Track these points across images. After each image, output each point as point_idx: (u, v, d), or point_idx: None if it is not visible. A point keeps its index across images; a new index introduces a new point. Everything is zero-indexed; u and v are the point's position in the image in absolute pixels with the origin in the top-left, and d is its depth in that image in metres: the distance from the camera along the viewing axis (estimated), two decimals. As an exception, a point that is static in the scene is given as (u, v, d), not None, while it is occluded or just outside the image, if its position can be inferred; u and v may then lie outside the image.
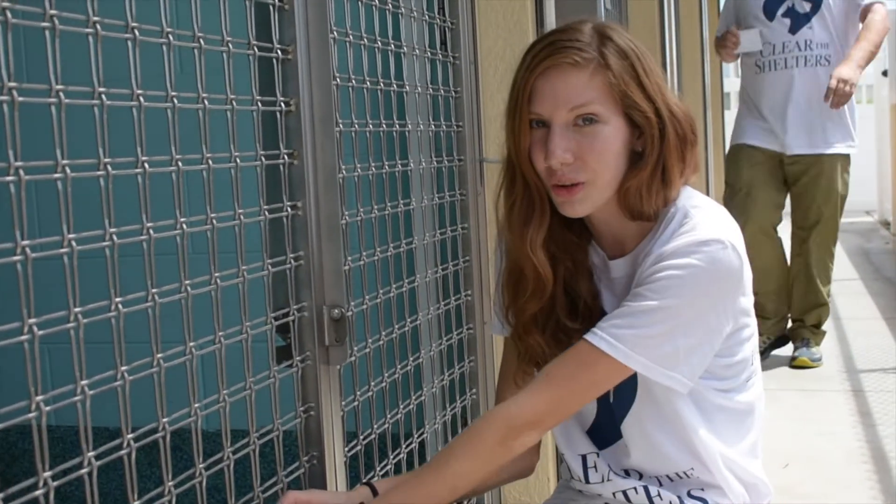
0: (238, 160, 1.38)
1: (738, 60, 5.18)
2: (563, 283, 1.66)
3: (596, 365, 1.51)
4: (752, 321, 1.63)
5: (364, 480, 1.62)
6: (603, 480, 1.66)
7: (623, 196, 1.57)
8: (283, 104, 1.49)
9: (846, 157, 4.95)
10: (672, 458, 1.61)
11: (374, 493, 1.57)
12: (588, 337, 1.51)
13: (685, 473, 1.63)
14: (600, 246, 1.67)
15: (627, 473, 1.66)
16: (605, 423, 1.65)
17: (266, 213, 1.46)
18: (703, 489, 1.63)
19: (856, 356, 5.12)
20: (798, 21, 4.83)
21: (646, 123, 1.55)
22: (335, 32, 1.63)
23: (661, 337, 1.49)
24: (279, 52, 1.49)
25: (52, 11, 1.03)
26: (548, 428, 1.58)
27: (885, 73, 10.44)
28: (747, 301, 1.58)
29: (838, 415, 4.13)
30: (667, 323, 1.49)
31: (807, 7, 4.80)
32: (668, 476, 1.64)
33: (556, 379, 1.53)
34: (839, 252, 9.40)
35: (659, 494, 1.63)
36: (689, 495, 1.63)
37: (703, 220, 1.55)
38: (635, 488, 1.64)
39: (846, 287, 7.35)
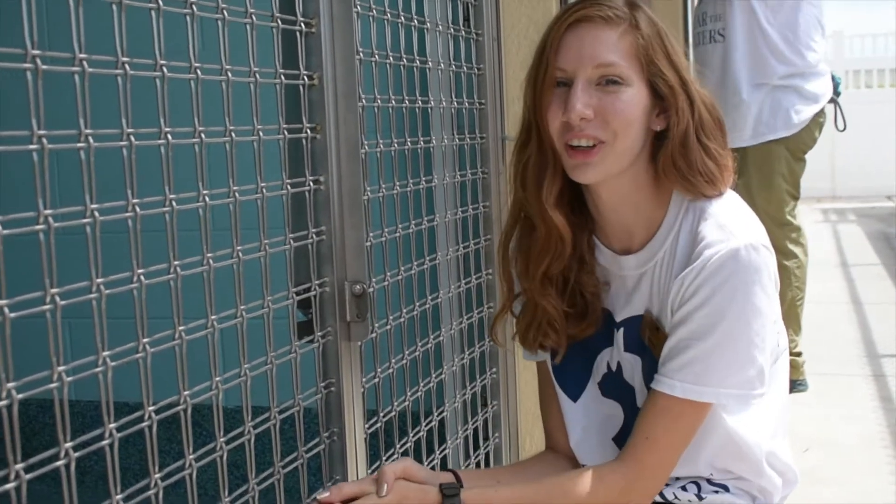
0: (261, 133, 1.37)
1: None
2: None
3: (688, 414, 1.50)
4: (778, 304, 1.60)
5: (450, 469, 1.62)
6: None
7: (665, 173, 1.55)
8: (306, 77, 1.48)
9: (754, 149, 4.05)
10: (700, 461, 1.59)
11: (458, 480, 1.55)
12: (664, 389, 1.50)
13: (711, 475, 1.61)
14: (604, 241, 1.65)
15: None
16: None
17: (288, 187, 1.45)
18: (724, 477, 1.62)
19: (877, 341, 5.09)
20: None
21: (669, 93, 1.52)
22: (358, 6, 1.61)
23: (740, 363, 1.48)
24: (303, 24, 1.47)
25: (76, -21, 1.02)
26: (661, 488, 1.57)
27: (908, 57, 10.34)
28: (776, 291, 1.56)
29: (859, 399, 4.11)
30: (739, 347, 1.47)
31: None
32: (691, 479, 1.62)
33: (659, 442, 1.51)
34: (859, 236, 9.37)
35: (676, 497, 1.61)
36: (710, 482, 1.62)
37: (721, 220, 1.52)
38: None
39: (867, 271, 7.32)
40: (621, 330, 1.63)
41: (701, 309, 1.48)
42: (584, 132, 1.50)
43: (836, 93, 4.24)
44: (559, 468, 1.70)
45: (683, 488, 1.61)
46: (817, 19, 4.11)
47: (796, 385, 4.15)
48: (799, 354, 4.18)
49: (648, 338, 1.58)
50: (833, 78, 4.23)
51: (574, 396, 1.70)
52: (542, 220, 1.60)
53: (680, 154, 1.53)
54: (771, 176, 4.07)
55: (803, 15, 4.05)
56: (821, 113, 4.15)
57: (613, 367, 1.66)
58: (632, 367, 1.63)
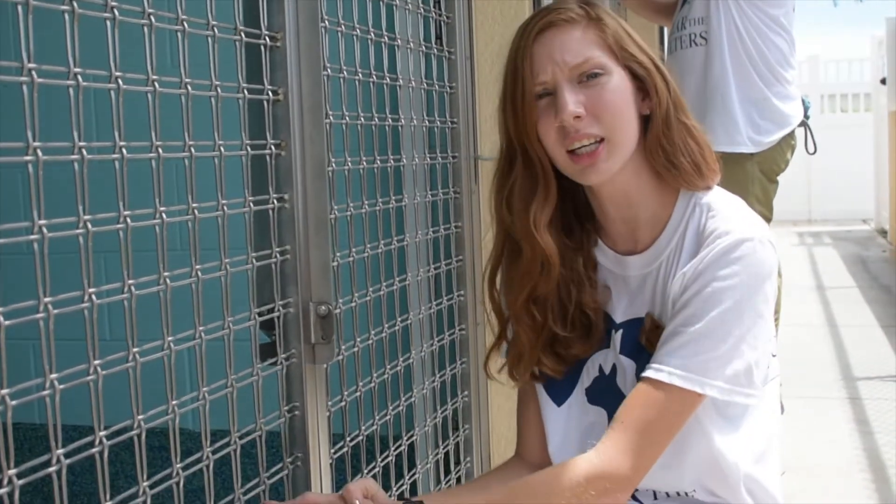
0: (222, 149, 1.33)
1: None
2: (557, 290, 1.61)
3: (671, 402, 1.43)
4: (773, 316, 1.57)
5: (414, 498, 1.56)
6: None
7: (652, 156, 1.54)
8: (270, 93, 1.44)
9: (738, 156, 3.93)
10: (685, 474, 1.54)
11: None
12: (653, 375, 1.44)
13: (693, 491, 1.56)
14: (608, 243, 1.62)
15: None
16: None
17: (251, 204, 1.41)
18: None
19: (853, 364, 5.09)
20: None
21: (646, 74, 1.53)
22: (326, 21, 1.58)
23: (729, 354, 1.43)
24: (267, 38, 1.44)
25: (26, -14, 0.98)
26: (637, 481, 1.45)
27: (883, 81, 10.41)
28: (774, 298, 1.53)
29: (836, 423, 4.10)
30: (730, 338, 1.43)
31: None
32: (666, 493, 1.57)
33: (634, 427, 1.43)
34: (835, 260, 9.39)
35: None
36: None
37: (728, 214, 1.51)
38: None
39: (843, 295, 7.33)
40: (620, 332, 1.60)
41: (699, 294, 1.45)
42: (579, 133, 1.49)
43: (806, 116, 4.23)
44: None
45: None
46: (790, 44, 4.11)
47: None
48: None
49: (647, 338, 1.54)
50: (803, 102, 4.22)
51: (559, 400, 1.65)
52: (528, 242, 1.57)
53: (664, 134, 1.53)
54: (745, 197, 4.01)
55: (777, 39, 4.04)
56: (791, 135, 4.13)
57: (607, 371, 1.61)
58: (625, 372, 1.59)
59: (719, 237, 1.47)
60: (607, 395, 1.60)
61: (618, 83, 1.51)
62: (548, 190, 1.56)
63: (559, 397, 1.65)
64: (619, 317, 1.61)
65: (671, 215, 1.56)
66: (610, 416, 1.58)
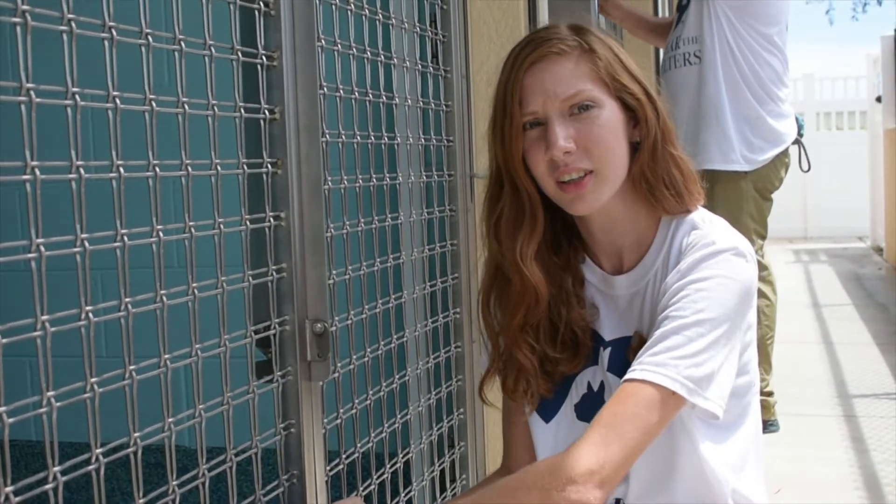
0: (219, 168, 1.33)
1: None
2: (548, 311, 1.62)
3: (639, 397, 1.40)
4: (754, 334, 1.58)
5: None
6: None
7: (635, 184, 1.55)
8: (267, 111, 1.45)
9: (732, 174, 3.99)
10: (678, 491, 1.54)
11: None
12: (630, 375, 1.43)
13: None
14: (596, 262, 1.63)
15: None
16: None
17: (248, 223, 1.41)
18: None
19: (848, 381, 5.09)
20: (679, 15, 4.15)
21: (638, 105, 1.54)
22: (322, 41, 1.59)
23: (699, 356, 1.42)
24: (264, 58, 1.44)
25: (24, 7, 0.98)
26: (614, 481, 1.39)
27: (878, 100, 10.45)
28: (752, 314, 1.54)
29: (831, 440, 4.09)
30: (702, 339, 1.42)
31: None
32: None
33: (601, 422, 1.40)
34: (831, 277, 9.40)
35: None
36: None
37: (712, 228, 1.53)
38: None
39: (839, 312, 7.34)
40: (608, 350, 1.60)
41: (675, 296, 1.46)
42: (569, 167, 1.50)
43: (800, 134, 4.25)
44: None
45: None
46: (783, 62, 4.12)
47: (768, 426, 4.12)
48: (770, 394, 4.16)
49: (634, 356, 1.54)
50: (797, 120, 4.24)
51: (547, 417, 1.66)
52: (517, 273, 1.58)
53: (649, 166, 1.55)
54: (739, 215, 4.05)
55: (770, 57, 4.06)
56: (785, 153, 4.15)
57: (595, 387, 1.62)
58: (612, 389, 1.59)
59: (701, 248, 1.49)
60: (595, 412, 1.60)
61: (609, 116, 1.52)
62: (535, 220, 1.57)
63: (547, 414, 1.66)
64: (607, 335, 1.61)
65: (655, 235, 1.57)
66: None
